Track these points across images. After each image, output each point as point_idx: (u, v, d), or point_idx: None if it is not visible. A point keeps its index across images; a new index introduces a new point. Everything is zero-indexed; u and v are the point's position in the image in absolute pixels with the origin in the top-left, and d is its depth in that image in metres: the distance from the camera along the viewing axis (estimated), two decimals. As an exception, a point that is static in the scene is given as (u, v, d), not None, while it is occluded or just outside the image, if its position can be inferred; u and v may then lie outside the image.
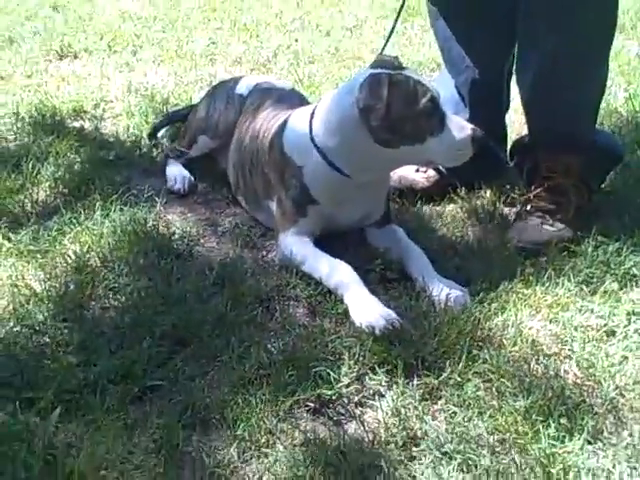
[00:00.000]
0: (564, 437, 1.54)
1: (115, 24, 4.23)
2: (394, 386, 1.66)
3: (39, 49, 3.85)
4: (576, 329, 1.84)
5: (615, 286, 1.99)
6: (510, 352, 1.75)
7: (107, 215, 2.29)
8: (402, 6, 2.28)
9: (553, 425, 1.55)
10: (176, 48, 3.84)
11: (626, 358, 1.75)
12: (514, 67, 2.39)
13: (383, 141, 1.98)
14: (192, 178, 2.55)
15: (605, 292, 1.96)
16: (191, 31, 4.13)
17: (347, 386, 1.66)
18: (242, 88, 2.55)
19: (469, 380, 1.67)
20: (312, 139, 2.08)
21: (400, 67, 2.06)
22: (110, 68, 3.59)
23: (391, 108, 1.93)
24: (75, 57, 3.78)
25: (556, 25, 2.15)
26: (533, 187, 2.30)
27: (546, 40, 2.16)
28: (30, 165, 2.55)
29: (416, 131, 1.97)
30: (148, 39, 3.99)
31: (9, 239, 2.18)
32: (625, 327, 1.84)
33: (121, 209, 2.32)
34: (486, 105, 2.44)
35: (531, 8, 2.18)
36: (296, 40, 3.93)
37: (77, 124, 2.99)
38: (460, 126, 2.00)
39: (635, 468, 1.50)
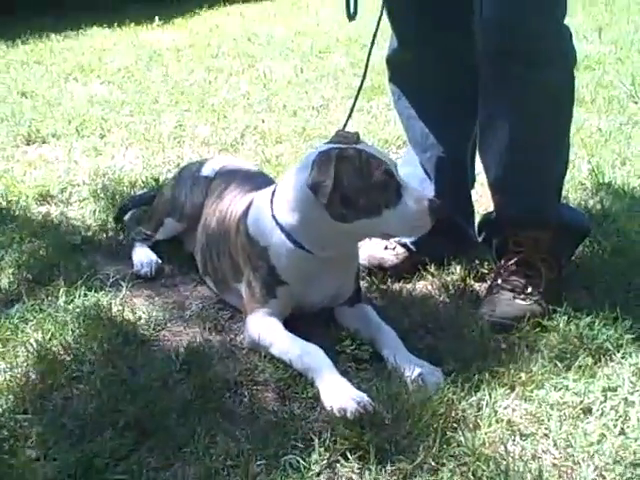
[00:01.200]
0: (545, 523, 1.49)
1: (83, 109, 4.24)
2: (367, 473, 1.60)
3: (6, 135, 3.84)
4: (552, 407, 1.80)
5: (589, 361, 1.95)
6: (486, 433, 1.71)
7: (71, 301, 2.24)
8: (362, 83, 2.29)
9: (532, 511, 1.50)
10: (144, 131, 3.85)
11: (604, 436, 1.70)
12: (477, 145, 2.40)
13: (339, 216, 1.96)
14: (159, 261, 2.51)
15: (580, 367, 1.93)
16: (159, 114, 4.15)
17: (318, 474, 1.60)
18: (208, 170, 2.54)
19: (444, 465, 1.61)
20: (274, 218, 2.07)
21: (357, 142, 2.06)
22: (77, 152, 3.59)
23: (341, 183, 1.93)
24: (43, 142, 3.77)
25: (516, 105, 2.18)
26: (503, 261, 2.29)
27: (507, 121, 2.18)
28: (-7, 252, 2.51)
29: (371, 204, 1.96)
30: (116, 123, 4.00)
31: (-31, 329, 2.12)
32: (601, 404, 1.80)
33: (85, 295, 2.27)
34: (452, 182, 2.44)
35: (489, 89, 2.21)
36: (263, 121, 3.97)
37: (43, 209, 2.96)
38: (417, 197, 1.99)
39: None
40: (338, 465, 1.63)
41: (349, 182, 1.94)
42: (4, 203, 2.96)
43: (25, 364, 1.97)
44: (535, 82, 2.15)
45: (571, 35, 2.22)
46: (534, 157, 2.21)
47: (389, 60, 2.49)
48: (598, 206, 2.88)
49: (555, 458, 1.65)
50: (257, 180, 2.45)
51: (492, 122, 2.24)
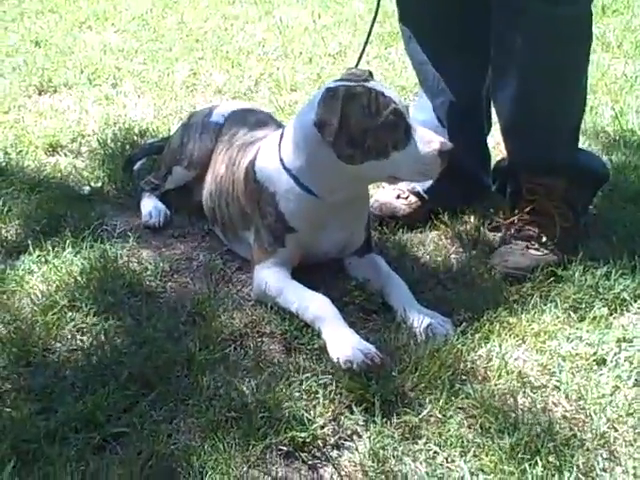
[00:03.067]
0: (553, 476, 1.45)
1: (96, 57, 4.16)
2: (372, 425, 1.57)
3: (18, 85, 3.78)
4: (564, 359, 1.75)
5: (605, 311, 1.91)
6: (495, 385, 1.67)
7: (78, 252, 2.21)
8: (374, 20, 2.21)
9: (541, 463, 1.46)
10: (157, 80, 3.77)
11: (617, 388, 1.66)
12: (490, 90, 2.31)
13: (346, 157, 1.90)
14: (167, 211, 2.47)
15: (594, 318, 1.88)
16: (173, 62, 4.06)
17: (322, 427, 1.57)
18: (217, 116, 2.48)
19: (451, 417, 1.58)
20: (282, 162, 2.01)
21: (367, 79, 1.99)
22: (89, 102, 3.51)
23: (348, 122, 1.86)
24: (55, 92, 3.70)
25: (532, 42, 2.08)
26: (516, 210, 2.22)
27: (521, 59, 2.09)
28: (0, 202, 2.48)
29: (379, 145, 1.89)
30: (129, 71, 3.92)
31: (-25, 280, 2.10)
32: (616, 355, 1.76)
33: (92, 246, 2.24)
34: (465, 128, 2.36)
35: (504, 26, 2.11)
36: (278, 68, 3.88)
37: (53, 159, 2.92)
38: (427, 139, 1.91)
39: (630, 508, 1.41)
40: (343, 418, 1.61)
41: (356, 121, 1.87)
42: (14, 154, 2.92)
43: (30, 316, 1.95)
44: (554, 17, 2.05)
45: None
46: (548, 98, 2.12)
47: None
48: (620, 153, 2.79)
49: (566, 410, 1.61)
50: (268, 125, 2.39)
51: (505, 61, 2.14)
